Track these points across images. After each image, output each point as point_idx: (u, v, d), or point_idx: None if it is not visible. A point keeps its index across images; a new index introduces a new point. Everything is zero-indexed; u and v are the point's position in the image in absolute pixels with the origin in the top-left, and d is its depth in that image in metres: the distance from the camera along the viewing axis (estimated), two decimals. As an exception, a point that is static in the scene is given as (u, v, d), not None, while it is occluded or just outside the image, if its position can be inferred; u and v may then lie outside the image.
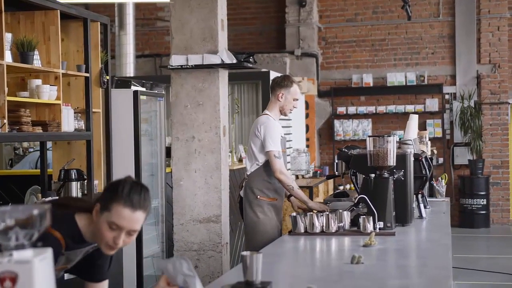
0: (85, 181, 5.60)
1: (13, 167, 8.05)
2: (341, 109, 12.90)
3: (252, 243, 5.14)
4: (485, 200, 12.22)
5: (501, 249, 10.55)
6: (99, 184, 5.88)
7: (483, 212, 12.24)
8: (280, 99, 5.26)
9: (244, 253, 2.74)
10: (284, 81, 5.29)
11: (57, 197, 5.17)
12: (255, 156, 5.19)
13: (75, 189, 5.44)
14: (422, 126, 12.36)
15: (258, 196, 5.16)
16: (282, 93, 5.25)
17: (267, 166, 5.13)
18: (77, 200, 2.77)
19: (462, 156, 12.55)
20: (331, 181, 11.16)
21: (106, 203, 2.59)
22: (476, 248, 10.82)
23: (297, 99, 5.33)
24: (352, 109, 12.85)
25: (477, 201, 12.20)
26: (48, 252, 1.79)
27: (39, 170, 5.75)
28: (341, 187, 11.70)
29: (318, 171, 10.71)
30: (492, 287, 8.00)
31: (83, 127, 5.61)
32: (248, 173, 5.26)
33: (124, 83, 6.53)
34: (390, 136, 4.42)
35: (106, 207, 2.59)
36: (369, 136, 4.46)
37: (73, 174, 5.43)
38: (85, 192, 5.63)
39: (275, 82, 5.33)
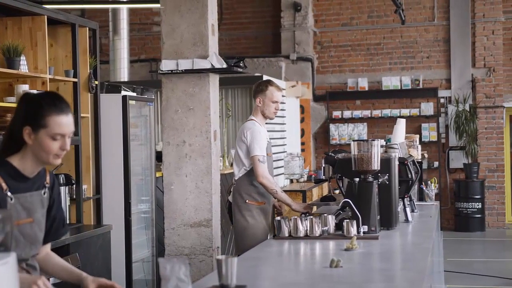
0: (74, 185, 5.62)
1: None
2: (336, 113, 12.91)
3: (241, 247, 5.18)
4: (480, 203, 12.22)
5: (496, 253, 10.55)
6: (87, 189, 5.90)
7: (479, 215, 12.24)
8: (259, 104, 5.35)
9: (219, 257, 2.76)
10: (259, 86, 5.39)
11: None
12: (242, 161, 5.28)
13: (64, 194, 5.44)
14: (417, 130, 12.38)
15: (247, 201, 5.22)
16: (259, 98, 5.35)
17: None
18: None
19: (457, 160, 12.56)
20: (325, 185, 11.17)
21: (38, 123, 2.65)
22: (471, 251, 10.82)
23: (276, 101, 5.36)
24: (347, 113, 12.86)
25: (472, 205, 12.20)
26: (11, 257, 1.80)
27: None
28: (337, 191, 11.70)
29: (313, 175, 10.71)
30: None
31: (72, 132, 5.62)
32: (236, 178, 5.34)
33: (115, 88, 6.54)
34: (374, 140, 4.43)
35: (40, 125, 2.65)
36: (353, 140, 4.48)
37: (61, 179, 5.44)
38: (74, 197, 5.65)
39: (253, 89, 5.45)
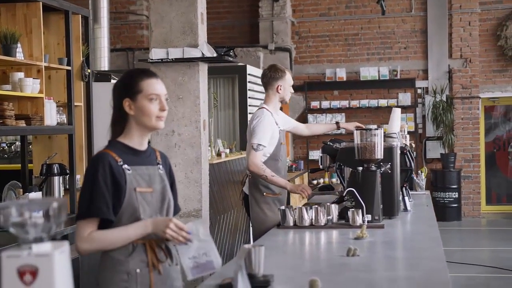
0: (68, 175, 5.53)
1: None
2: (314, 104, 12.94)
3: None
4: (456, 193, 12.37)
5: (473, 242, 10.69)
6: (81, 179, 5.81)
7: (455, 205, 12.39)
8: (279, 91, 5.24)
9: (247, 246, 2.73)
10: (278, 73, 5.25)
11: None
12: None
13: (57, 184, 5.36)
14: (395, 120, 12.45)
15: (265, 193, 5.11)
16: (280, 84, 5.25)
17: (270, 162, 5.07)
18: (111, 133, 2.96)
19: (434, 150, 12.69)
20: (305, 175, 11.20)
21: (134, 90, 2.85)
22: (448, 240, 10.92)
23: (292, 85, 5.36)
24: (325, 104, 12.90)
25: (449, 195, 12.34)
26: (66, 246, 1.77)
27: (19, 165, 5.65)
28: (321, 180, 11.76)
29: (294, 165, 10.73)
30: (464, 279, 8.09)
31: (65, 121, 5.54)
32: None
33: (104, 76, 6.47)
34: (377, 129, 4.43)
35: (136, 92, 2.84)
36: (356, 129, 4.47)
37: (56, 169, 5.35)
38: (67, 187, 5.56)
39: (269, 77, 5.27)
